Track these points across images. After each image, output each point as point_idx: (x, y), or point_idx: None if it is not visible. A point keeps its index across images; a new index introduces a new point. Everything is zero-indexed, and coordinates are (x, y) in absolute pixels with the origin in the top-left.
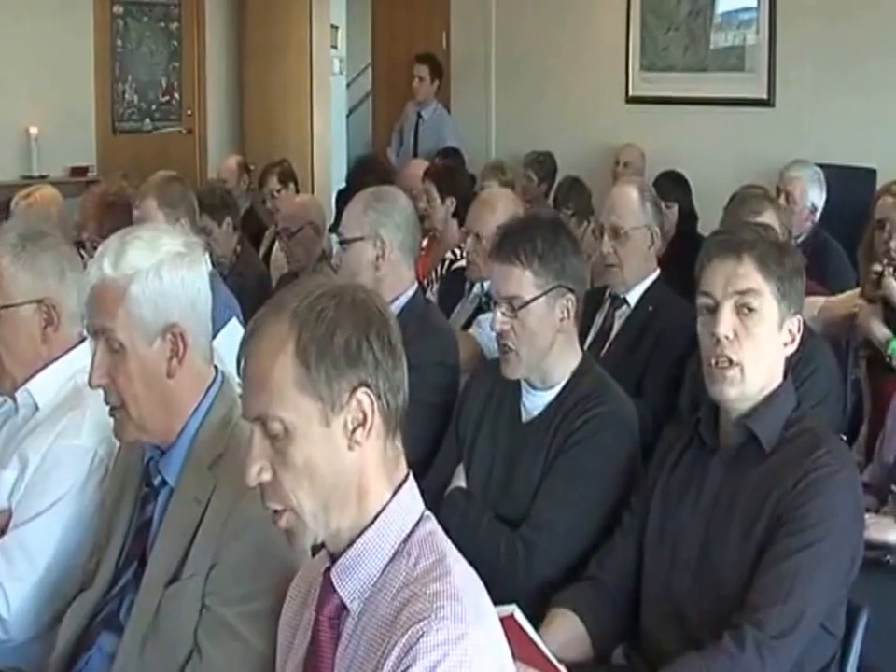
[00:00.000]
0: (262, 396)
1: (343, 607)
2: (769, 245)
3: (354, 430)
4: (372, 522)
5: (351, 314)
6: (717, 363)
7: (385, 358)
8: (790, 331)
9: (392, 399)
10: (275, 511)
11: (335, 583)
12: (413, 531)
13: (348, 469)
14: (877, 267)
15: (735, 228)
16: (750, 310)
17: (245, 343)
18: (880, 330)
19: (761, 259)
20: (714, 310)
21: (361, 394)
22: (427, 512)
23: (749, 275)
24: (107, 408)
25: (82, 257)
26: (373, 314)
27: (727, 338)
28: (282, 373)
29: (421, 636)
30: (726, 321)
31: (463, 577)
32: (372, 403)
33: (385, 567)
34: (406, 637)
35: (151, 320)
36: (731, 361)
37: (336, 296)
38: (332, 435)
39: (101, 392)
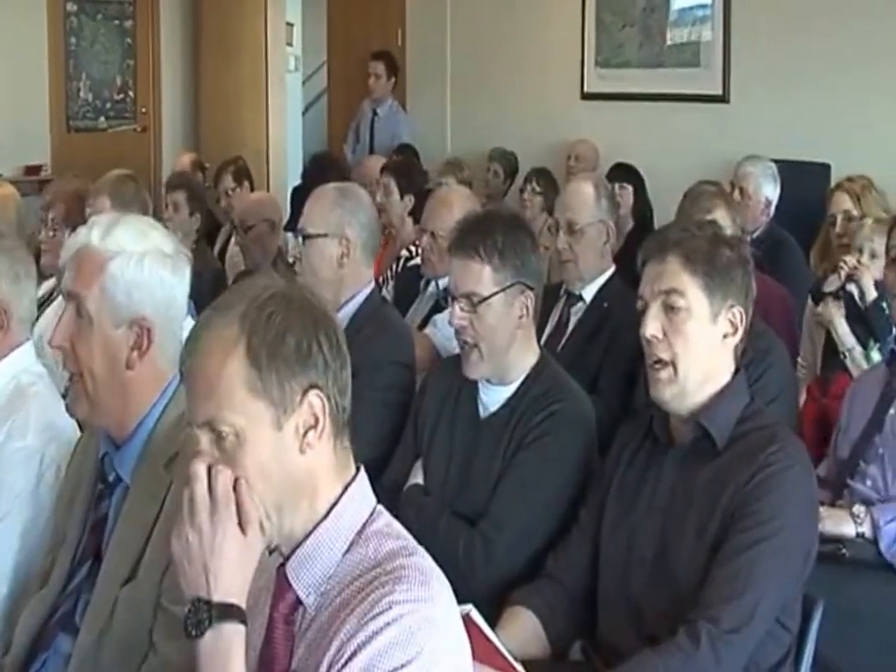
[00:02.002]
0: (211, 400)
1: (299, 602)
2: (698, 242)
3: (305, 433)
4: (325, 517)
5: (300, 316)
6: (651, 364)
7: (333, 359)
8: (730, 322)
9: (340, 400)
10: None
11: (290, 579)
12: (367, 524)
13: (300, 472)
14: (851, 260)
15: (665, 228)
16: (676, 308)
17: (189, 344)
18: (843, 328)
19: (685, 256)
20: (644, 311)
21: (313, 396)
22: (380, 507)
23: (673, 274)
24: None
25: (38, 260)
26: (320, 315)
27: (655, 337)
28: (232, 376)
29: (385, 596)
30: (651, 322)
31: (424, 561)
32: (324, 406)
33: (341, 559)
34: (370, 598)
35: (122, 305)
36: (663, 361)
37: (285, 297)
38: (284, 439)
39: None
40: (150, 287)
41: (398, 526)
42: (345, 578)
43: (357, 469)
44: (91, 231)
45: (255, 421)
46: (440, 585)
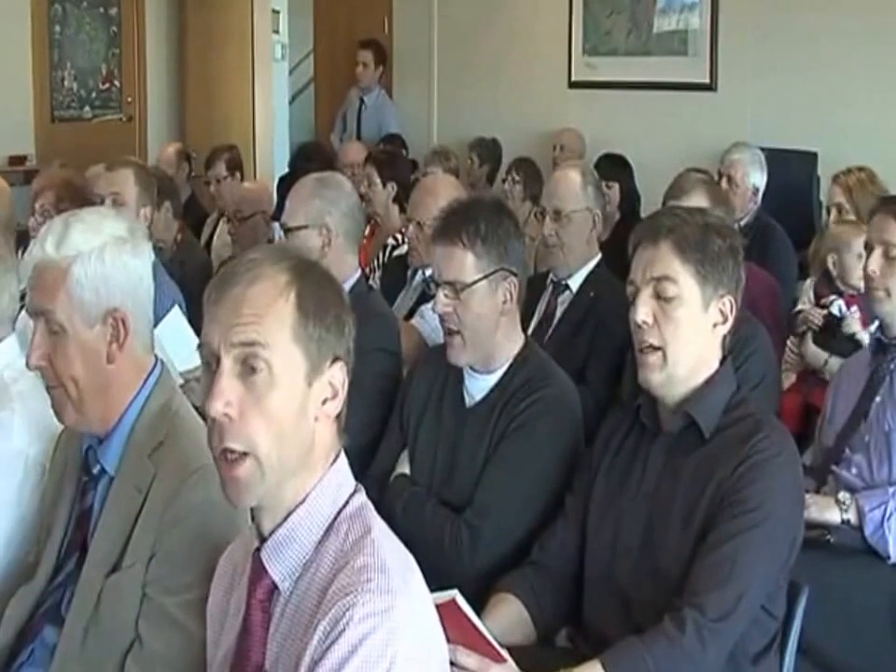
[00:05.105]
0: (257, 326)
1: (275, 587)
2: (690, 229)
3: (324, 402)
4: (304, 499)
5: (337, 292)
6: (641, 350)
7: (353, 345)
8: (720, 311)
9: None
10: (233, 457)
11: (266, 564)
12: (344, 507)
13: (308, 439)
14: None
15: (657, 213)
16: (668, 295)
17: (231, 278)
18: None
19: (678, 243)
20: (635, 297)
21: (339, 368)
22: (359, 486)
23: (665, 261)
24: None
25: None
26: (347, 304)
27: (646, 323)
28: (282, 315)
29: (348, 609)
30: (642, 307)
31: (390, 550)
32: (343, 381)
33: (317, 544)
34: (333, 610)
35: (93, 303)
36: (652, 346)
37: (324, 273)
38: (309, 397)
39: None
40: (116, 276)
41: (369, 509)
42: (319, 565)
43: (339, 452)
44: (45, 242)
45: (292, 367)
46: (402, 577)
